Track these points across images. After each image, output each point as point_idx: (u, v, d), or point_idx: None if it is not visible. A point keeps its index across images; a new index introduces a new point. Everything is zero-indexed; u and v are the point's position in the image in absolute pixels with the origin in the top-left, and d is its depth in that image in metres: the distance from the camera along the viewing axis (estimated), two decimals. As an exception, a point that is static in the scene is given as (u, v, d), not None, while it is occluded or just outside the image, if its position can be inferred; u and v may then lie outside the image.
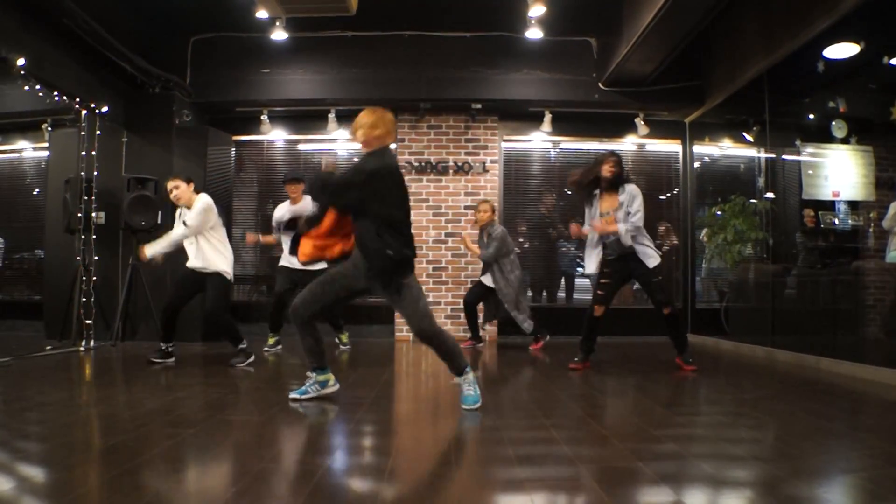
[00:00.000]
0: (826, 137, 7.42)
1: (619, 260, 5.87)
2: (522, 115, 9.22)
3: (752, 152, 8.55)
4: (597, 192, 5.97)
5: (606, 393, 4.99)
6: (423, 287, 8.77)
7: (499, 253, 7.42)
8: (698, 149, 9.50)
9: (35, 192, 9.74)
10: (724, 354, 7.43)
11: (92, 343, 7.31)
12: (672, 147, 9.60)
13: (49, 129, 8.67)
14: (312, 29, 8.34)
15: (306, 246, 4.29)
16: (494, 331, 8.79)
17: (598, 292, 5.99)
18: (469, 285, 8.66)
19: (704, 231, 9.06)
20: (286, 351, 7.13)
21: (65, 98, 7.29)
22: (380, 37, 8.69)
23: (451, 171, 9.14)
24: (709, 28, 7.37)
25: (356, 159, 4.29)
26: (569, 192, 9.78)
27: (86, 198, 7.48)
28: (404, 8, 8.25)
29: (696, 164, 9.56)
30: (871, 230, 7.27)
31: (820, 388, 5.10)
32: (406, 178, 8.98)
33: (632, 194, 5.75)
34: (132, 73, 7.80)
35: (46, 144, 8.87)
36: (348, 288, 4.17)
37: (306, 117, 9.35)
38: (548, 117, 9.01)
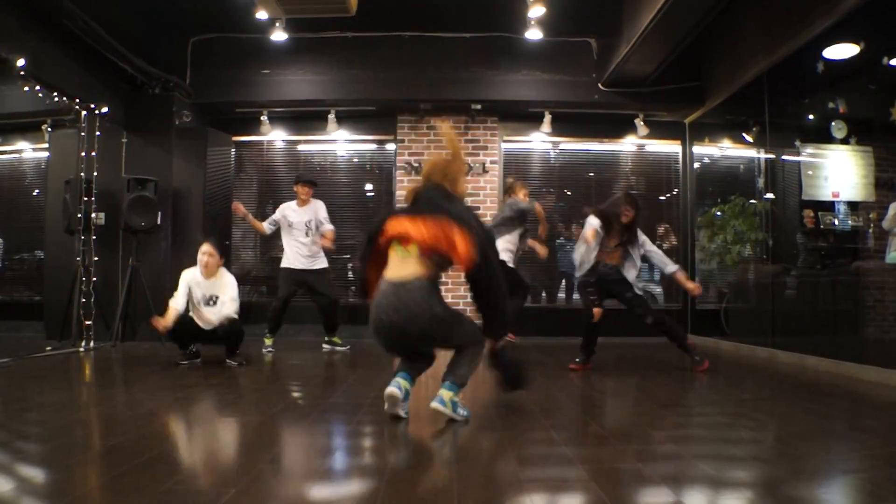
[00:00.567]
0: (826, 138, 7.41)
1: (600, 281, 6.09)
2: (522, 116, 9.22)
3: (751, 153, 8.54)
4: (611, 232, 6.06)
5: (606, 394, 4.99)
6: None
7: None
8: (698, 149, 9.50)
9: (35, 193, 9.75)
10: (724, 355, 7.42)
11: (92, 344, 7.31)
12: (672, 148, 9.60)
13: (49, 129, 8.67)
14: (312, 30, 8.34)
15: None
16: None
17: (592, 297, 6.07)
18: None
19: (703, 233, 9.07)
20: (287, 352, 7.13)
21: (64, 99, 7.29)
22: (380, 37, 8.69)
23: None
24: (708, 28, 7.37)
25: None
26: (568, 193, 9.80)
27: (86, 198, 7.49)
28: (404, 9, 8.25)
29: (696, 165, 9.56)
30: (870, 231, 7.26)
31: (820, 388, 5.10)
32: (406, 178, 9.08)
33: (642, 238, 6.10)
34: (132, 73, 7.81)
35: (46, 145, 8.88)
36: None
37: (306, 118, 9.35)
38: (547, 118, 9.01)
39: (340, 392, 4.79)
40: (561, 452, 3.03)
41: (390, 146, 9.54)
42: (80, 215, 7.43)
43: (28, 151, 9.73)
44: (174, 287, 8.10)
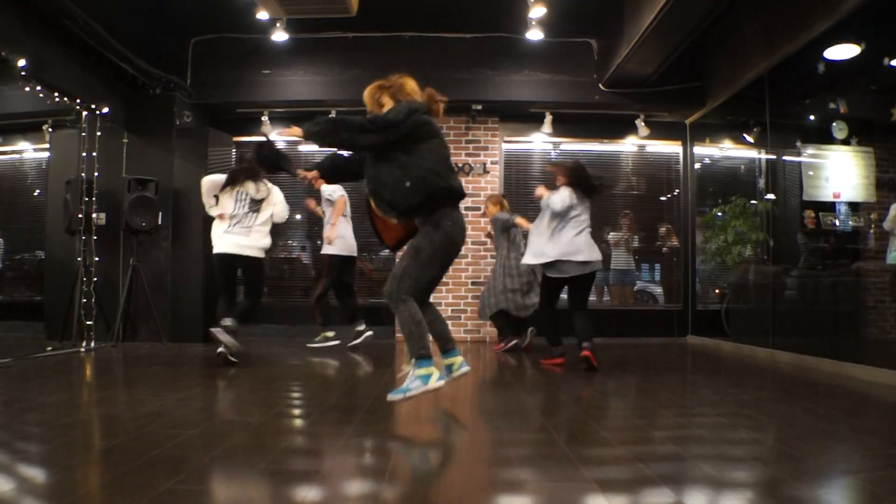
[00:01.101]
0: (827, 139, 7.41)
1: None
2: (523, 117, 9.22)
3: (752, 153, 8.54)
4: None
5: (607, 394, 4.99)
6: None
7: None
8: (699, 150, 9.50)
9: (36, 193, 9.75)
10: (725, 356, 7.42)
11: (93, 344, 7.31)
12: (672, 148, 9.60)
13: (50, 130, 8.67)
14: (313, 30, 8.35)
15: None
16: (493, 331, 8.76)
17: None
18: (470, 286, 8.70)
19: (703, 233, 9.08)
20: (289, 352, 7.14)
21: (65, 99, 7.29)
22: (380, 38, 8.69)
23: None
24: (709, 29, 7.36)
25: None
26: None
27: (86, 199, 7.49)
28: (405, 9, 8.25)
29: (697, 166, 9.56)
30: (871, 231, 7.27)
31: (821, 389, 5.10)
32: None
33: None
34: (133, 74, 7.82)
35: (47, 145, 8.88)
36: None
37: (307, 118, 9.22)
38: (548, 118, 9.01)
39: (342, 392, 4.79)
40: (561, 453, 3.03)
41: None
42: (80, 215, 7.43)
43: (29, 152, 9.74)
44: (175, 287, 8.16)
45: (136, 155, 8.27)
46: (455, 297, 9.02)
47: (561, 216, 5.92)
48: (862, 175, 7.33)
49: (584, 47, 8.83)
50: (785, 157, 7.89)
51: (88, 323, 7.38)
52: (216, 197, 6.19)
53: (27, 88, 6.86)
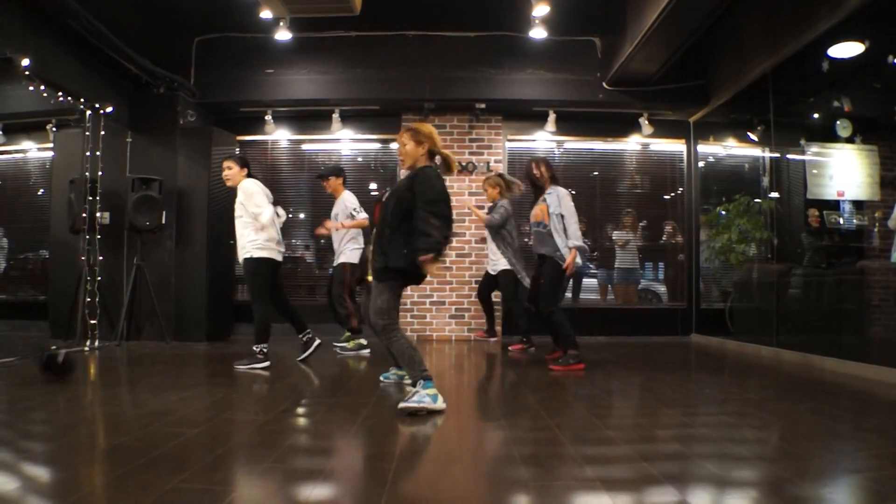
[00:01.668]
0: (831, 137, 7.38)
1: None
2: (526, 115, 9.21)
3: (756, 152, 8.52)
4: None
5: (611, 393, 4.98)
6: (428, 287, 8.89)
7: (503, 220, 7.44)
8: (702, 148, 9.49)
9: (40, 193, 9.77)
10: (729, 354, 7.41)
11: (97, 343, 7.32)
12: (676, 147, 9.59)
13: (54, 129, 8.69)
14: (316, 29, 8.35)
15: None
16: (498, 330, 8.77)
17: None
18: (473, 285, 8.68)
19: (707, 232, 9.07)
20: (290, 351, 7.13)
21: (69, 99, 7.30)
22: (384, 37, 8.69)
23: (455, 171, 9.12)
24: (713, 27, 7.35)
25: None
26: (573, 192, 9.77)
27: (90, 198, 7.51)
28: (408, 8, 8.26)
29: (701, 164, 9.54)
30: (875, 230, 7.25)
31: (825, 388, 5.09)
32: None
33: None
34: (136, 73, 7.83)
35: (51, 145, 8.89)
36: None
37: (310, 117, 9.35)
38: (552, 117, 9.00)
39: (345, 391, 4.79)
40: (566, 452, 3.03)
41: (394, 145, 9.54)
42: (84, 215, 7.45)
43: (33, 151, 9.75)
44: (179, 286, 8.16)
45: (139, 154, 8.28)
46: (459, 295, 9.02)
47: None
48: (866, 173, 7.30)
49: (587, 46, 8.82)
50: (789, 156, 7.87)
51: (92, 322, 7.40)
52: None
53: (31, 88, 6.87)
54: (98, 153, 7.63)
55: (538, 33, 7.85)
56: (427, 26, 8.64)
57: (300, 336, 6.27)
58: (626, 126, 9.28)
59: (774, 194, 7.88)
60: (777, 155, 7.91)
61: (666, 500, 2.37)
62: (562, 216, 6.03)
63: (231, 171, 6.19)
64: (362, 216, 7.09)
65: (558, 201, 6.07)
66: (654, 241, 9.67)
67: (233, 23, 8.34)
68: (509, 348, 7.53)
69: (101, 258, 7.67)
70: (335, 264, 7.27)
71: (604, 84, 8.72)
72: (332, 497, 2.46)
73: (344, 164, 9.75)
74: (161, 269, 8.15)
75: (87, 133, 7.60)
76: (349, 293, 7.20)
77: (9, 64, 6.26)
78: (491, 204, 7.63)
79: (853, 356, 5.84)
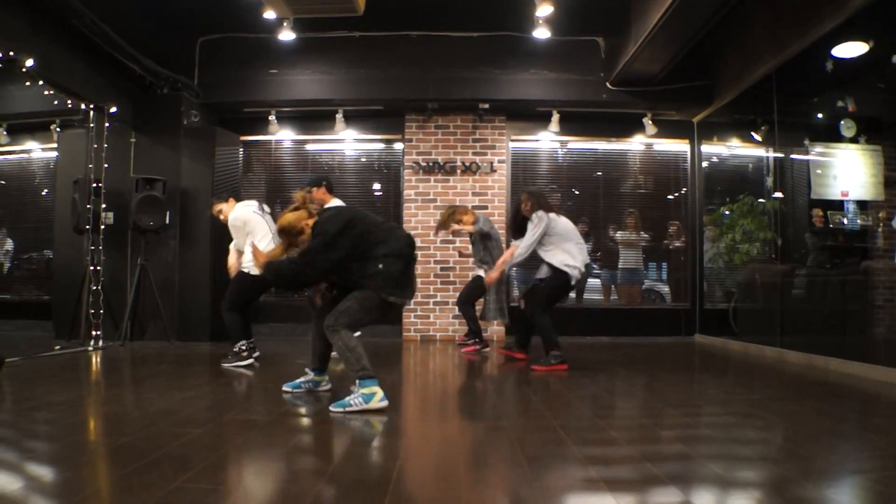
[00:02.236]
0: (835, 137, 7.36)
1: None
2: (530, 115, 9.21)
3: (760, 152, 8.50)
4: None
5: (614, 393, 4.98)
6: (431, 287, 8.90)
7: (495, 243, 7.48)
8: (706, 148, 9.47)
9: (44, 193, 9.79)
10: (733, 355, 7.40)
11: (100, 343, 7.34)
12: (680, 147, 9.58)
13: (58, 129, 8.70)
14: (320, 29, 8.35)
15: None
16: (501, 331, 8.77)
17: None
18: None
19: (710, 232, 9.06)
20: (294, 351, 7.14)
21: (73, 99, 7.31)
22: (387, 37, 8.70)
23: (458, 171, 9.14)
24: (717, 27, 7.34)
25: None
26: (576, 192, 9.78)
27: (94, 198, 7.51)
28: (412, 8, 8.26)
29: (705, 164, 9.53)
30: (880, 230, 7.22)
31: (829, 388, 5.08)
32: (414, 177, 9.10)
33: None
34: (140, 73, 7.84)
35: (55, 145, 8.90)
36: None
37: (314, 118, 9.36)
38: (555, 117, 9.00)
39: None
40: (569, 452, 3.02)
41: (398, 146, 9.55)
42: (88, 215, 7.47)
43: (37, 151, 9.77)
44: (183, 286, 8.17)
45: (143, 154, 8.30)
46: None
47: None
48: (870, 173, 7.28)
49: (591, 46, 8.81)
50: (793, 156, 7.86)
51: (96, 322, 7.41)
52: None
53: (35, 88, 6.88)
54: (102, 153, 7.64)
55: (542, 33, 7.84)
56: (431, 26, 8.64)
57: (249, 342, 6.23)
58: (629, 126, 9.27)
59: (778, 194, 7.87)
60: (781, 155, 7.90)
61: (670, 501, 2.36)
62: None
63: (222, 210, 6.45)
64: None
65: (532, 226, 6.20)
66: (658, 241, 9.66)
67: (236, 23, 8.35)
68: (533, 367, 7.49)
69: (104, 258, 7.68)
70: None
71: (607, 84, 8.71)
72: (335, 497, 2.46)
73: (347, 164, 9.78)
74: (165, 269, 8.16)
75: (91, 133, 7.61)
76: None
77: (13, 64, 6.28)
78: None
79: (857, 357, 5.83)
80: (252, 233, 6.13)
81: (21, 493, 2.34)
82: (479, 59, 8.75)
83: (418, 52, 8.75)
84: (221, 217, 6.43)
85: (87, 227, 7.48)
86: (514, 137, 9.42)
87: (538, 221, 6.14)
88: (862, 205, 7.47)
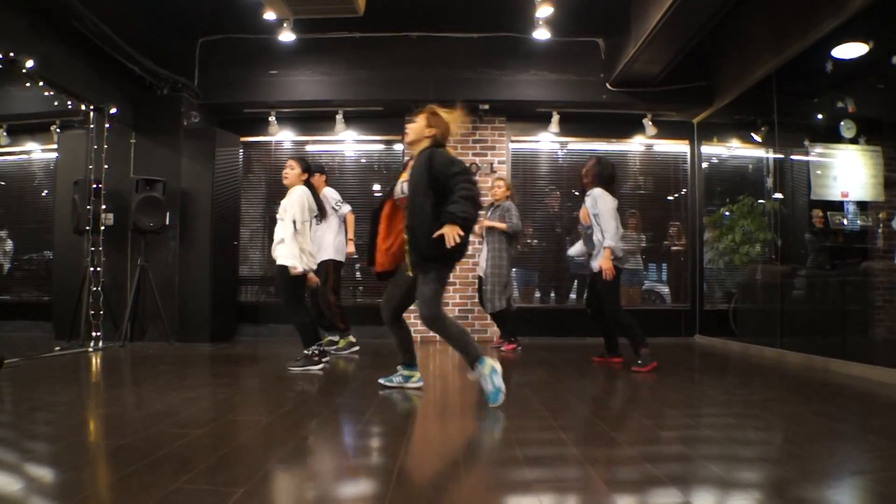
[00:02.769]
0: (835, 138, 7.36)
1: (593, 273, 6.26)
2: (530, 116, 9.22)
3: (760, 153, 8.50)
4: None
5: (614, 394, 4.98)
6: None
7: (519, 223, 7.49)
8: (706, 149, 9.48)
9: (44, 194, 9.80)
10: (733, 355, 7.40)
11: (100, 344, 7.33)
12: (680, 147, 9.58)
13: (58, 130, 8.71)
14: (320, 30, 8.36)
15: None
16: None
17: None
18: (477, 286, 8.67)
19: (709, 232, 9.06)
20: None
21: (74, 100, 7.32)
22: (387, 38, 8.70)
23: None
24: (717, 28, 7.35)
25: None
26: (576, 193, 9.77)
27: (94, 199, 7.52)
28: (412, 9, 8.26)
29: (704, 165, 9.53)
30: (880, 231, 7.22)
31: (829, 389, 5.08)
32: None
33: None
34: (140, 74, 7.85)
35: (55, 146, 8.91)
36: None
37: (314, 118, 9.37)
38: (555, 118, 9.01)
39: (349, 392, 4.79)
40: (569, 453, 3.02)
41: (398, 146, 9.55)
42: (88, 216, 7.47)
43: (37, 152, 9.78)
44: (183, 287, 8.17)
45: (143, 155, 8.30)
46: (462, 296, 9.02)
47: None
48: (870, 174, 7.28)
49: (591, 47, 8.82)
50: (793, 156, 7.86)
51: (96, 323, 7.41)
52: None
53: (35, 89, 6.89)
54: (102, 154, 7.65)
55: (542, 34, 7.84)
56: (431, 27, 8.65)
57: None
58: (629, 127, 9.28)
59: (778, 195, 7.87)
60: (781, 156, 7.90)
61: (670, 502, 2.36)
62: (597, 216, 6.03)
63: (292, 172, 6.21)
64: (347, 209, 7.24)
65: (594, 202, 6.05)
66: (658, 241, 9.66)
67: (237, 24, 8.35)
68: (501, 348, 7.56)
69: (104, 259, 7.68)
70: (318, 261, 6.81)
71: (607, 85, 8.72)
72: (335, 497, 2.46)
73: (347, 165, 9.78)
74: (165, 270, 8.16)
75: (92, 134, 7.61)
76: (333, 291, 7.13)
77: (13, 65, 6.28)
78: (496, 204, 7.62)
79: (857, 357, 5.83)
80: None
81: (21, 494, 2.34)
82: (480, 59, 8.75)
83: (418, 52, 8.75)
84: (286, 174, 6.20)
85: (88, 227, 7.48)
86: (514, 138, 9.42)
87: (601, 196, 6.04)
88: (862, 205, 7.47)
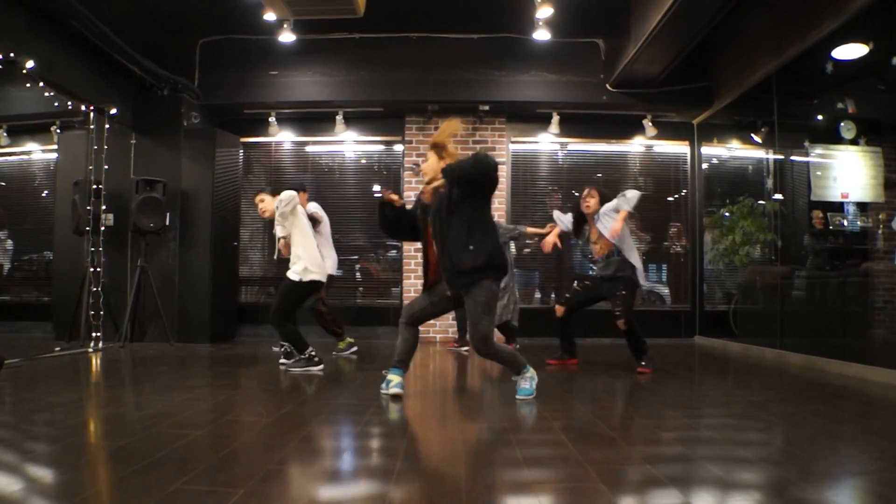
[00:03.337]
0: (835, 139, 7.37)
1: (601, 279, 6.20)
2: (530, 117, 9.22)
3: (760, 153, 8.51)
4: (586, 226, 6.35)
5: (614, 394, 4.98)
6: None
7: (506, 231, 7.62)
8: (706, 150, 9.48)
9: (44, 194, 9.80)
10: (733, 356, 7.40)
11: (100, 344, 7.33)
12: (680, 148, 9.58)
13: (58, 131, 8.72)
14: (320, 31, 8.36)
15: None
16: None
17: (566, 295, 6.44)
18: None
19: (709, 233, 9.06)
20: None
21: (74, 100, 7.32)
22: (387, 38, 8.71)
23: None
24: (717, 29, 7.35)
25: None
26: (576, 194, 9.77)
27: (94, 199, 7.51)
28: (412, 10, 8.27)
29: (705, 166, 9.54)
30: (880, 232, 7.23)
31: (829, 390, 5.08)
32: (414, 179, 9.07)
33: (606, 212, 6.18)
34: (140, 75, 7.85)
35: (55, 146, 8.93)
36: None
37: (314, 119, 9.37)
38: (555, 119, 9.01)
39: (348, 392, 4.79)
40: (569, 453, 3.02)
41: (398, 147, 9.55)
42: (89, 216, 7.47)
43: (37, 153, 9.79)
44: (183, 287, 8.16)
45: (143, 156, 8.30)
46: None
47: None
48: (870, 175, 7.29)
49: (591, 47, 8.82)
50: (793, 157, 7.87)
51: (96, 323, 7.41)
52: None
53: (35, 89, 6.89)
54: (102, 155, 7.65)
55: (542, 35, 7.84)
56: (431, 28, 8.65)
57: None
58: (629, 128, 9.28)
59: (778, 196, 7.88)
60: (781, 157, 7.90)
61: (669, 502, 2.36)
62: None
63: (266, 203, 6.35)
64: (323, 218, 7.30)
65: (609, 210, 6.19)
66: (658, 242, 9.66)
67: (237, 25, 8.36)
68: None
69: (104, 260, 7.68)
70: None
71: (607, 86, 8.72)
72: (335, 497, 2.46)
73: (347, 165, 9.79)
74: (165, 271, 8.16)
75: (92, 135, 7.61)
76: (323, 303, 7.10)
77: (13, 66, 6.28)
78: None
79: (857, 358, 5.83)
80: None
81: (21, 495, 2.33)
82: (480, 60, 8.75)
83: (418, 53, 8.75)
84: (262, 208, 6.37)
85: (88, 228, 7.48)
86: (514, 139, 9.42)
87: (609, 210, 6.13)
88: (862, 206, 7.47)
